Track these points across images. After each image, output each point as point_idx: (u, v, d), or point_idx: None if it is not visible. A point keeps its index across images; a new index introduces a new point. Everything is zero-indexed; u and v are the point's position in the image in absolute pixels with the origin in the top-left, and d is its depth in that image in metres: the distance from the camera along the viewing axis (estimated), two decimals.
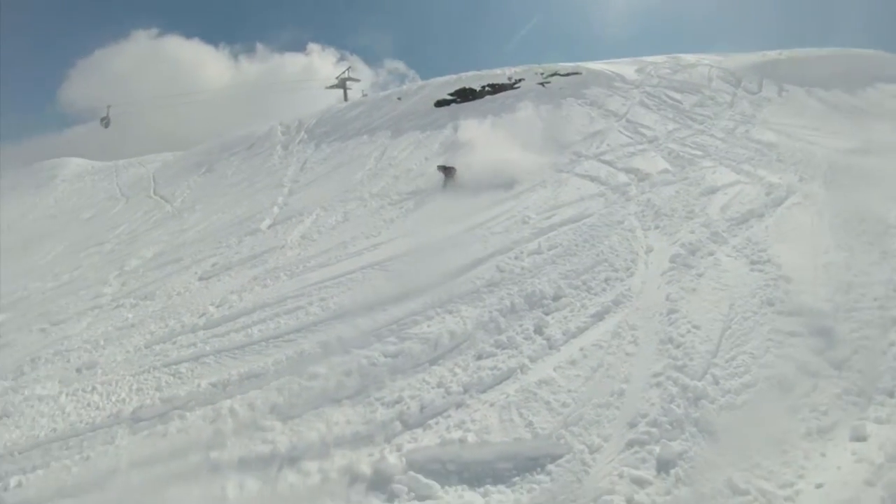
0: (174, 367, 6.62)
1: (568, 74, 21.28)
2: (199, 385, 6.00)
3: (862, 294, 5.58)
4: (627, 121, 14.99)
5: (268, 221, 12.50)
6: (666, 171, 10.25)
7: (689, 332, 5.19)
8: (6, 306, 11.20)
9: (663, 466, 3.88)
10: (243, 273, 9.29)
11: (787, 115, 14.51)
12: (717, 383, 4.54)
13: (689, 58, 22.35)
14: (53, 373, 7.34)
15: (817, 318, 5.16)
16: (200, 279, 9.60)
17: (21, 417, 6.36)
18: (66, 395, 6.61)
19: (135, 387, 6.40)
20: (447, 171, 12.29)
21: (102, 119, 37.50)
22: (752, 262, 6.33)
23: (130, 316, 8.71)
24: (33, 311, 10.31)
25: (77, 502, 4.80)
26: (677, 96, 17.05)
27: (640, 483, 3.80)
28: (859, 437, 3.96)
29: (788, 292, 5.64)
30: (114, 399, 6.23)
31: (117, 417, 5.83)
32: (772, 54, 21.64)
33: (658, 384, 4.61)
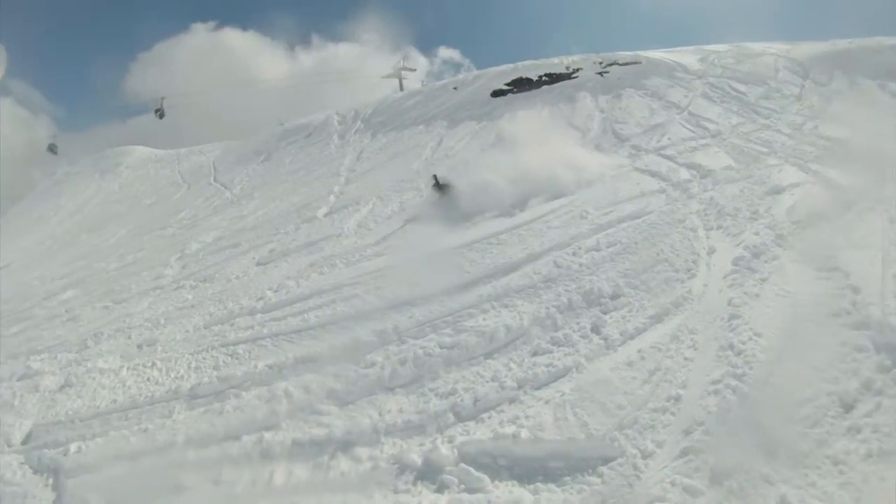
0: (231, 347, 6.91)
1: (627, 64, 20.86)
2: (255, 366, 6.24)
3: None
4: (689, 113, 14.60)
5: (324, 209, 12.81)
6: (729, 167, 9.92)
7: (750, 339, 5.02)
8: (73, 283, 11.90)
9: (716, 477, 3.79)
10: (300, 259, 9.61)
11: (860, 109, 13.75)
12: (777, 395, 4.40)
13: (755, 46, 21.48)
14: (115, 348, 7.81)
15: (886, 333, 4.85)
16: (258, 264, 9.98)
17: (83, 388, 6.77)
18: (127, 369, 7.00)
19: (193, 365, 6.73)
20: (442, 186, 11.30)
21: (157, 111, 38.75)
22: (819, 269, 6.03)
23: (190, 297, 9.13)
24: (98, 290, 10.94)
25: (133, 470, 5.07)
26: (742, 88, 16.45)
27: (692, 492, 3.73)
28: None
29: (856, 303, 5.35)
30: (172, 375, 6.57)
31: (175, 393, 6.15)
32: (843, 43, 20.47)
33: (716, 392, 4.50)
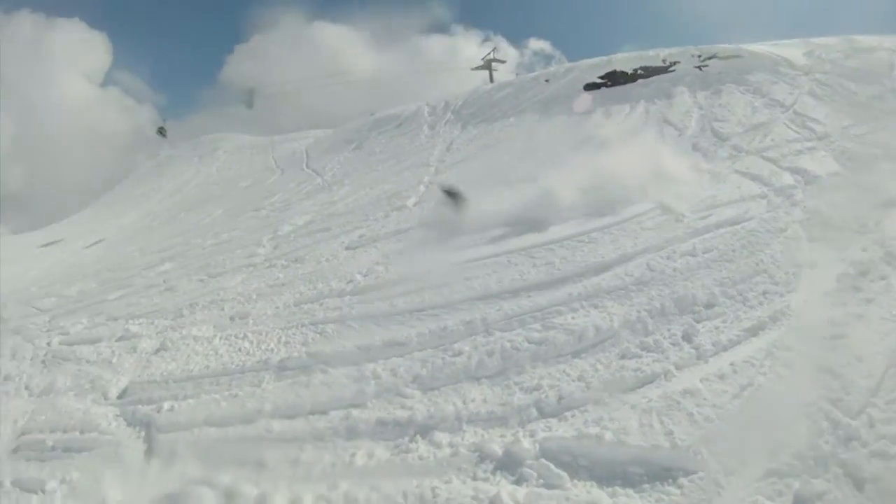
0: (320, 326, 7.17)
1: (728, 58, 19.96)
2: (343, 346, 6.47)
3: None
4: (795, 112, 13.82)
5: (414, 199, 13.06)
6: (837, 174, 9.43)
7: (849, 363, 4.82)
8: (171, 257, 12.77)
9: (800, 502, 3.70)
10: (389, 246, 9.84)
11: None
12: (872, 426, 4.19)
13: (867, 40, 19.88)
14: (209, 318, 8.30)
15: None
16: (347, 248, 10.30)
17: (177, 353, 7.27)
18: (220, 338, 7.44)
19: (283, 339, 7.04)
20: (453, 196, 10.75)
21: (245, 101, 40.77)
22: None
23: (281, 276, 9.57)
24: (194, 264, 11.68)
25: (222, 433, 5.39)
26: (852, 86, 15.39)
27: None
28: None
29: None
30: (263, 348, 6.92)
31: (265, 364, 6.46)
32: None
33: (808, 415, 4.36)
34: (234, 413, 5.63)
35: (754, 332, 5.47)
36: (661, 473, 4.10)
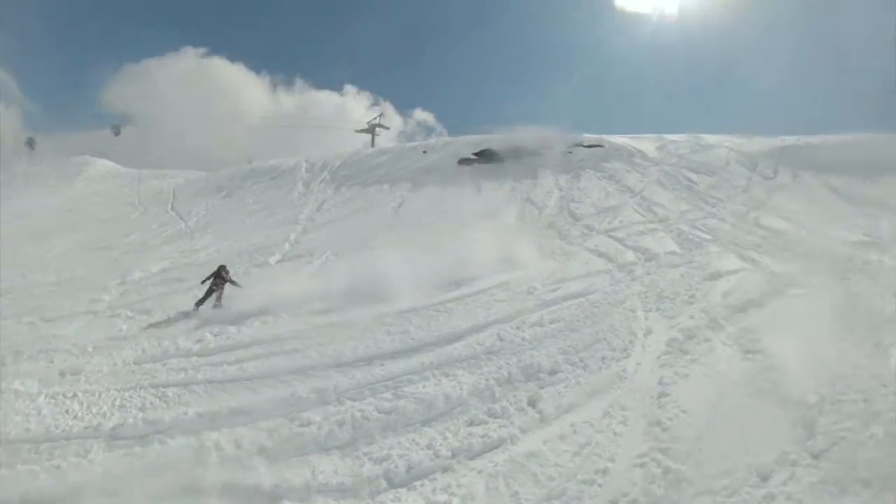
0: (161, 389, 6.64)
1: (591, 146, 21.84)
2: (185, 412, 6.02)
3: (848, 386, 5.59)
4: (642, 198, 15.36)
5: (277, 256, 12.76)
6: (673, 252, 10.48)
7: (677, 416, 5.28)
8: (2, 291, 11.04)
9: None
10: (245, 305, 9.26)
11: (799, 202, 14.64)
12: (698, 468, 4.61)
13: (710, 138, 22.75)
14: (35, 371, 7.30)
15: (802, 409, 5.21)
16: (200, 303, 9.61)
17: None
18: (45, 396, 6.58)
19: (118, 402, 6.39)
20: (216, 281, 9.74)
21: (113, 127, 38.94)
22: (746, 352, 6.42)
23: (125, 328, 8.79)
24: (27, 303, 10.24)
25: None
26: (694, 177, 17.42)
27: None
28: None
29: (777, 383, 5.71)
30: (94, 411, 6.22)
31: (96, 430, 5.81)
32: (790, 140, 21.96)
33: (642, 465, 4.69)
34: (55, 489, 4.94)
35: (593, 395, 5.82)
36: None
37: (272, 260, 12.51)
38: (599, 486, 4.53)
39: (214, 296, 9.41)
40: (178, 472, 5.09)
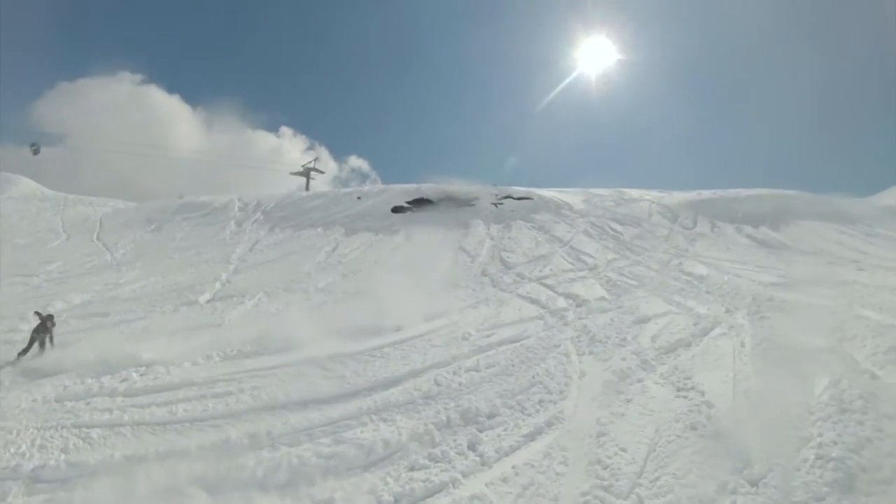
0: (85, 430, 6.15)
1: (521, 198, 22.51)
2: (112, 455, 5.61)
3: (777, 416, 5.89)
4: (571, 247, 15.85)
5: (207, 295, 12.21)
6: (603, 298, 10.83)
7: (616, 454, 5.38)
8: None
9: None
10: (174, 344, 8.76)
11: (718, 249, 15.60)
12: (641, 503, 4.72)
13: (633, 192, 24.00)
14: None
15: (736, 440, 5.45)
16: (126, 340, 9.04)
17: None
18: None
19: (38, 442, 5.90)
20: (42, 326, 8.89)
21: (32, 145, 37.20)
22: (678, 389, 6.67)
23: (43, 363, 8.14)
24: None
25: None
26: (619, 228, 18.21)
27: None
28: None
29: (710, 417, 5.96)
30: (12, 450, 5.71)
31: (14, 472, 5.35)
32: (707, 193, 23.46)
33: (585, 502, 4.73)
34: None
35: (532, 437, 5.85)
36: None
37: (202, 299, 11.96)
38: None
39: (37, 345, 8.61)
40: None
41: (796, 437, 5.49)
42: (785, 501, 4.62)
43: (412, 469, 5.36)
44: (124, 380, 7.45)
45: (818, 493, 4.67)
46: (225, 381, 7.38)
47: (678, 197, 22.76)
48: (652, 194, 23.59)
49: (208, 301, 11.87)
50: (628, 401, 6.47)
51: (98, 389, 7.15)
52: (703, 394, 6.49)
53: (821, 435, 5.46)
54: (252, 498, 4.94)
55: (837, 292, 10.40)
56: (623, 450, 5.45)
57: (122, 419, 6.37)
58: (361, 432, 5.98)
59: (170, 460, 5.49)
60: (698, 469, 5.11)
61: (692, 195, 22.98)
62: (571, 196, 23.20)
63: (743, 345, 7.96)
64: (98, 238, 19.99)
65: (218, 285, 13.17)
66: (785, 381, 6.67)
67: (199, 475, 5.19)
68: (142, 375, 7.58)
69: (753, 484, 4.85)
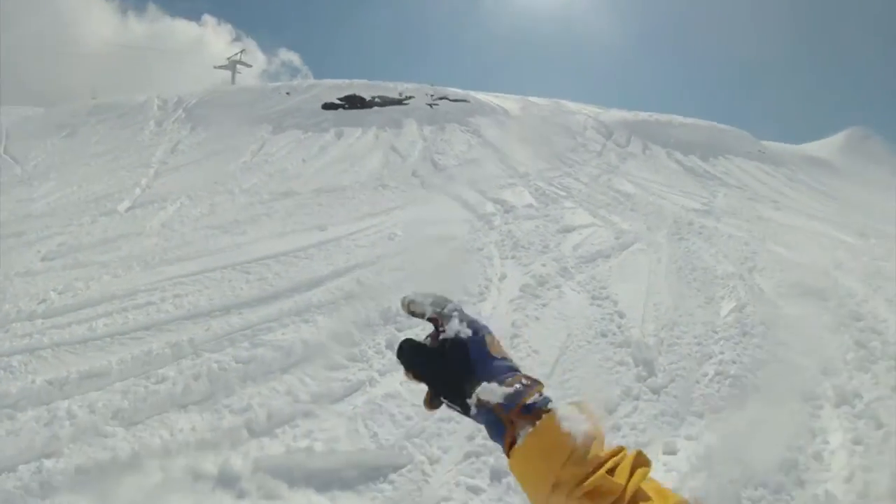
0: (5, 359, 5.82)
1: (456, 100, 22.15)
2: (33, 381, 5.38)
3: (684, 332, 6.29)
4: (504, 154, 15.83)
5: (127, 203, 11.59)
6: (531, 205, 11.05)
7: (528, 355, 5.63)
8: None
9: (496, 476, 4.18)
10: (93, 258, 8.45)
11: (647, 171, 16.09)
12: None
13: (571, 105, 24.05)
14: None
15: (643, 350, 5.76)
16: (44, 259, 8.55)
17: None
18: None
19: None
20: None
21: None
22: (593, 298, 6.97)
23: None
24: None
25: None
26: (554, 138, 18.28)
27: (476, 491, 4.09)
28: (671, 451, 4.50)
29: (621, 326, 6.29)
30: None
31: None
32: (643, 115, 23.85)
33: None
34: None
35: None
36: (372, 473, 4.29)
37: (121, 207, 11.31)
38: (457, 422, 4.70)
39: None
40: (32, 449, 4.60)
41: (700, 353, 5.89)
42: (684, 410, 4.96)
43: (331, 369, 5.47)
44: (42, 301, 7.03)
45: (715, 405, 5.04)
46: (147, 291, 7.11)
47: (615, 114, 23.02)
48: (589, 109, 23.71)
49: (128, 209, 11.29)
50: (544, 305, 6.73)
51: (16, 315, 6.72)
52: (616, 303, 6.80)
53: (722, 353, 5.89)
54: (170, 420, 4.91)
55: (754, 226, 11.02)
56: (535, 351, 5.72)
57: (41, 342, 6.08)
58: (282, 334, 6.00)
59: (91, 380, 5.38)
60: (605, 374, 5.43)
61: (628, 115, 23.31)
62: (509, 102, 23.07)
63: (659, 261, 8.37)
64: (5, 152, 18.25)
65: (138, 191, 12.46)
66: (694, 300, 7.09)
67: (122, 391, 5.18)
68: (60, 294, 7.18)
69: (655, 392, 5.18)
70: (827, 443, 4.64)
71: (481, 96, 23.29)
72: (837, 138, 34.10)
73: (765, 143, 25.49)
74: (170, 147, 17.25)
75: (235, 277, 7.51)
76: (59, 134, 19.81)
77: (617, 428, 4.70)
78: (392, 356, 5.59)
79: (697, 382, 5.40)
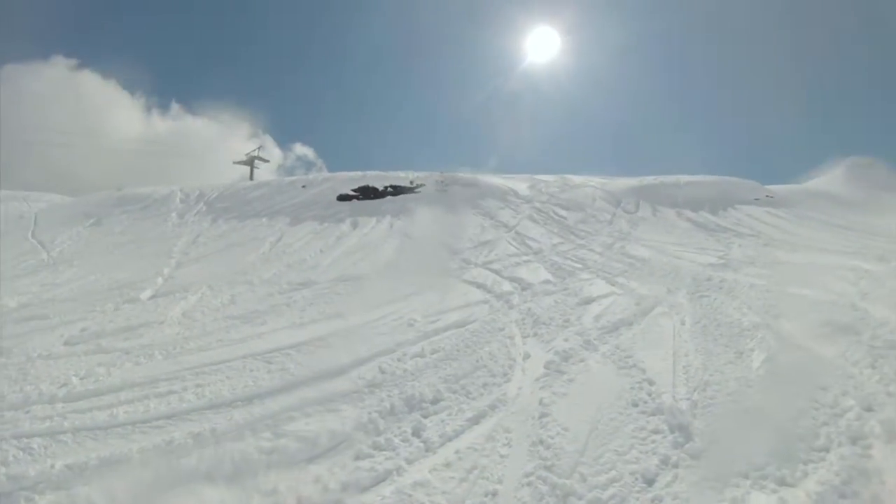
0: (25, 440, 5.74)
1: (466, 185, 22.63)
2: (52, 465, 5.27)
3: (717, 391, 6.08)
4: (516, 233, 16.06)
5: (149, 292, 11.76)
6: (547, 281, 11.01)
7: (558, 433, 5.44)
8: None
9: None
10: (115, 345, 8.46)
11: (659, 232, 16.12)
12: (584, 480, 4.74)
13: (577, 179, 24.53)
14: None
15: (676, 416, 5.56)
16: (66, 344, 8.57)
17: None
18: None
19: None
20: None
21: None
22: (620, 368, 6.81)
23: None
24: None
25: None
26: (563, 213, 18.58)
27: None
28: None
29: (651, 393, 6.10)
30: None
31: None
32: (649, 179, 24.23)
33: (529, 483, 4.75)
34: None
35: (476, 420, 5.86)
36: None
37: (144, 296, 11.50)
38: None
39: None
40: None
41: (736, 409, 5.68)
42: (727, 472, 4.73)
43: (357, 458, 5.32)
44: (64, 384, 7.05)
45: (758, 462, 4.80)
46: (168, 380, 7.06)
47: (621, 183, 23.38)
48: (595, 180, 24.16)
49: (150, 297, 11.43)
50: (570, 380, 6.57)
51: (37, 397, 6.77)
52: (643, 371, 6.64)
53: (759, 407, 5.68)
54: (196, 489, 4.79)
55: (773, 272, 10.89)
56: (565, 429, 5.51)
57: (62, 426, 6.02)
58: (306, 424, 5.86)
59: (111, 466, 5.26)
60: (640, 445, 5.21)
61: (634, 181, 23.66)
62: (517, 182, 23.56)
63: (683, 322, 8.22)
64: (33, 236, 18.94)
65: (160, 280, 12.71)
66: (723, 357, 6.91)
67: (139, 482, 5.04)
68: (82, 379, 7.21)
69: (695, 457, 4.96)
70: (883, 483, 4.41)
71: (490, 179, 23.84)
72: (839, 171, 34.01)
73: (770, 187, 25.57)
74: (191, 238, 17.67)
75: (257, 367, 7.43)
76: (86, 222, 20.57)
77: (659, 499, 4.48)
78: (419, 443, 5.48)
79: (737, 441, 5.16)
